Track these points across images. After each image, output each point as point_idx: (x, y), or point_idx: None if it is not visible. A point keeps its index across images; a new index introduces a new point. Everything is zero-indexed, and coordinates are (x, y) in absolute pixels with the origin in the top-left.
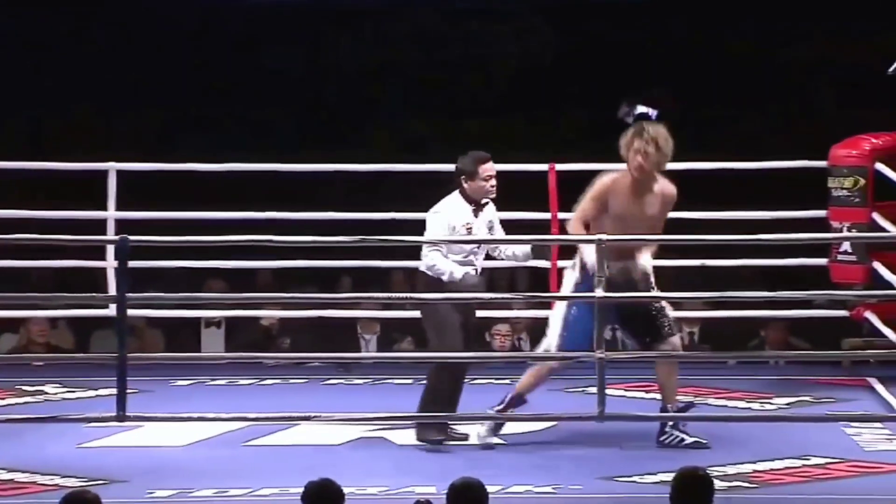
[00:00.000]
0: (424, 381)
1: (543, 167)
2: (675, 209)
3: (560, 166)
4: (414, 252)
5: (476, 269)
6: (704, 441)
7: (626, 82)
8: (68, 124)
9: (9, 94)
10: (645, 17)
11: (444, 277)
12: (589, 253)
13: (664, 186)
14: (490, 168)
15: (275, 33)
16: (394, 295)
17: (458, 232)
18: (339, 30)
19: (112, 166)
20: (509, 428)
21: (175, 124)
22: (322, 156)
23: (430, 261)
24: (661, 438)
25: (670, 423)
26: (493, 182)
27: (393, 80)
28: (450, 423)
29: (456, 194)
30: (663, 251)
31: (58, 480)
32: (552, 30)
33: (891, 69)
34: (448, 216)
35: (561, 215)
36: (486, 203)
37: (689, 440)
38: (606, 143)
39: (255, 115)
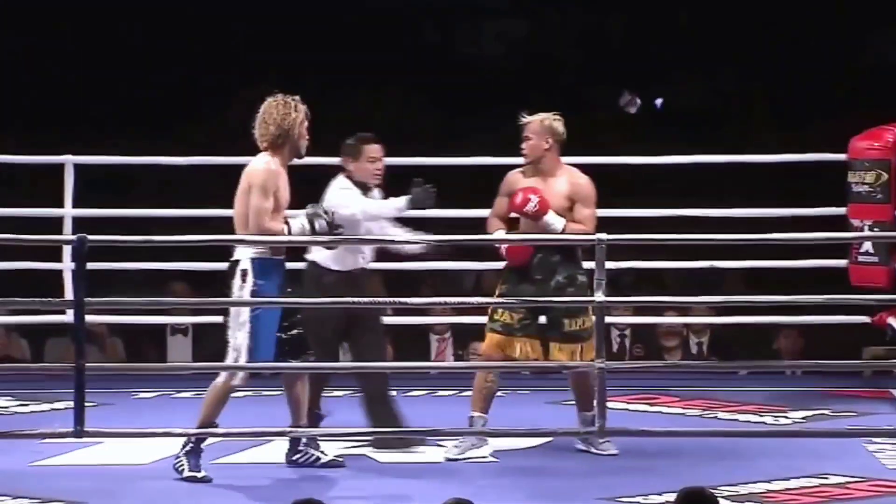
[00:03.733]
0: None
1: None
2: (681, 206)
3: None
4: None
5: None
6: (341, 460)
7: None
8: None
9: None
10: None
11: (389, 213)
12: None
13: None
14: (375, 150)
15: None
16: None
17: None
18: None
19: (69, 159)
20: (502, 443)
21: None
22: None
23: (365, 208)
24: (295, 457)
25: (304, 440)
26: (378, 165)
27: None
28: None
29: (341, 178)
30: (669, 252)
31: (9, 502)
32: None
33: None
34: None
35: None
36: (372, 189)
37: (324, 458)
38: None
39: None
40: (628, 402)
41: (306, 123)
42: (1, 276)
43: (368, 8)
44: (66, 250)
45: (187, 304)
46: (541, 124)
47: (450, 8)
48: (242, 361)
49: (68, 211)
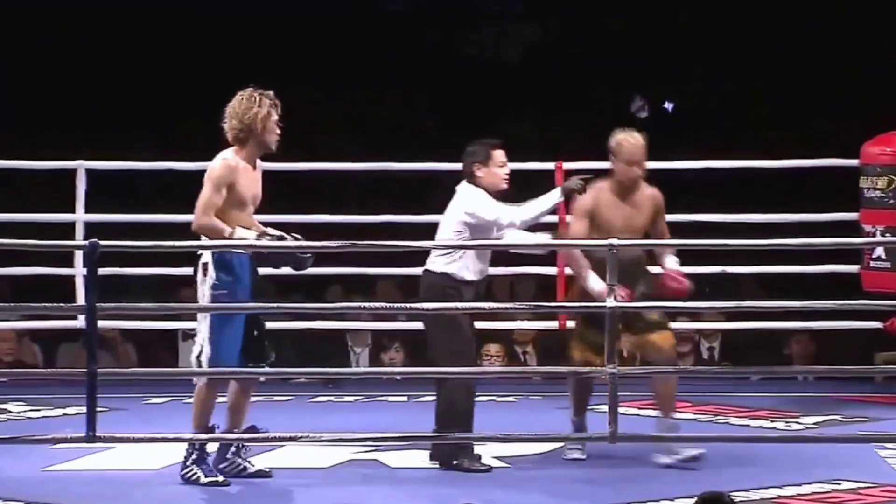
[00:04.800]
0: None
1: (550, 166)
2: (694, 211)
3: (568, 165)
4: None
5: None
6: (268, 471)
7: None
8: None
9: None
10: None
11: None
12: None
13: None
14: (503, 155)
15: None
16: (389, 305)
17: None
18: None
19: (81, 164)
20: (513, 450)
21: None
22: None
23: (520, 217)
24: (222, 465)
25: (234, 448)
26: (506, 171)
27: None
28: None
29: (467, 185)
30: (681, 257)
31: None
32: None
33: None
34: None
35: (569, 217)
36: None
37: (251, 469)
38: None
39: None
40: (640, 408)
41: (275, 117)
42: (13, 281)
43: (368, 8)
44: (79, 255)
45: (198, 309)
46: (643, 150)
47: (450, 8)
48: (205, 355)
49: (80, 216)
